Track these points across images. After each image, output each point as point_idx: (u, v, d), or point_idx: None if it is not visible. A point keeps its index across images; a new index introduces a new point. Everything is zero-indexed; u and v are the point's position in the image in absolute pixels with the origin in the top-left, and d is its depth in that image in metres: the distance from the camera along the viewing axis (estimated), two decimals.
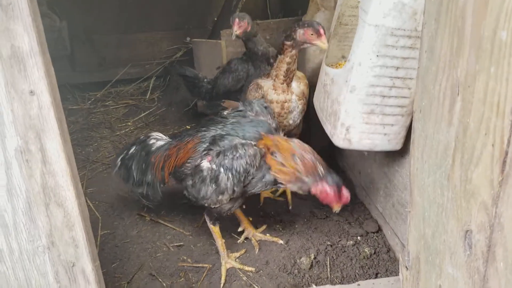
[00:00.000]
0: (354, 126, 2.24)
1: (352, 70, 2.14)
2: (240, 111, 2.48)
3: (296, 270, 2.50)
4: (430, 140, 1.42)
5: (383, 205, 2.73)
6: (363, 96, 2.16)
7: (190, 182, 2.36)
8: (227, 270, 2.50)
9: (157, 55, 5.24)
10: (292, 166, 2.18)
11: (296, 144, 2.23)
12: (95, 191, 3.33)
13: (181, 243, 2.76)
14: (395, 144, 2.31)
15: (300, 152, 2.17)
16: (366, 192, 3.02)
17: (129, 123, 4.41)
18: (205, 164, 2.27)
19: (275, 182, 2.29)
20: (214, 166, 2.24)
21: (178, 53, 5.18)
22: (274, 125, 2.39)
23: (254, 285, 2.41)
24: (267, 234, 2.76)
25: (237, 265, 2.52)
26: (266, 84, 2.76)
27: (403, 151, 2.37)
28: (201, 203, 2.39)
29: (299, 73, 2.84)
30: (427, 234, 1.48)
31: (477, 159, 1.11)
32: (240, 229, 2.79)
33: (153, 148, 2.59)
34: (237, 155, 2.20)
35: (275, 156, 2.22)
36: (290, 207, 2.96)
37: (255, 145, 2.25)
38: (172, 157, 2.44)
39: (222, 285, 2.42)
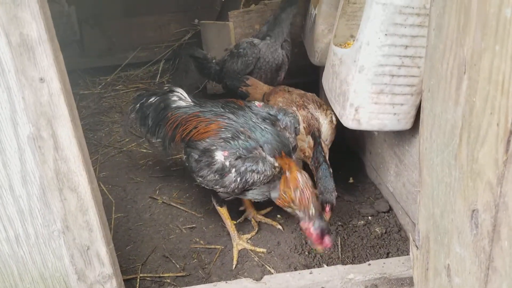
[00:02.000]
0: (363, 106, 2.23)
1: (360, 50, 2.12)
2: (272, 115, 2.42)
3: (307, 251, 2.52)
4: (438, 120, 1.42)
5: (394, 184, 2.73)
6: (372, 75, 2.15)
7: (196, 156, 2.36)
8: (239, 251, 2.53)
9: (166, 38, 5.24)
10: (291, 197, 2.23)
11: (303, 177, 2.25)
12: (108, 175, 3.38)
13: (193, 225, 2.80)
14: (405, 124, 2.30)
15: (302, 188, 2.22)
16: (377, 172, 3.02)
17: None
18: (220, 156, 2.25)
19: (274, 198, 2.34)
20: (227, 164, 2.23)
21: (187, 35, 5.18)
22: (293, 145, 2.37)
23: (266, 265, 2.44)
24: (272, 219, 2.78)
25: (248, 247, 2.55)
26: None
27: (413, 130, 2.36)
28: (193, 176, 2.42)
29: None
30: (436, 214, 1.48)
31: (482, 139, 1.11)
32: (241, 208, 2.83)
33: (173, 105, 2.63)
34: (255, 169, 2.18)
35: (283, 181, 2.27)
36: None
37: (275, 166, 2.23)
38: (190, 125, 2.45)
39: (234, 266, 2.45)
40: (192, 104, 2.62)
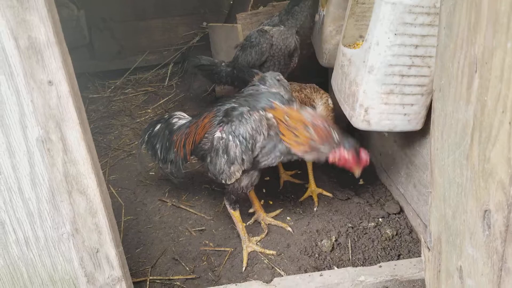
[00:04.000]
0: (373, 107, 2.22)
1: (369, 50, 2.11)
2: (254, 85, 2.47)
3: (317, 253, 2.50)
4: (449, 119, 1.40)
5: (405, 186, 2.70)
6: (381, 76, 2.13)
7: (208, 159, 2.40)
8: (249, 253, 2.52)
9: (174, 41, 5.26)
10: (306, 136, 2.12)
11: (307, 113, 2.17)
12: (118, 178, 3.39)
13: (203, 228, 2.80)
14: (415, 124, 2.28)
15: (312, 121, 2.12)
16: (387, 174, 2.99)
17: (149, 110, 4.45)
18: (217, 134, 2.31)
19: (289, 152, 2.25)
20: (224, 135, 2.27)
21: (195, 38, 5.19)
22: (286, 96, 2.33)
23: (275, 268, 2.43)
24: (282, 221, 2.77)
25: (258, 249, 2.54)
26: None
27: (424, 131, 2.33)
28: (219, 179, 2.41)
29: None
30: (448, 215, 1.46)
31: (494, 138, 1.09)
32: (250, 211, 2.82)
33: (175, 127, 2.69)
34: (243, 121, 2.21)
35: (288, 126, 2.17)
36: (315, 209, 2.88)
37: (268, 117, 2.22)
38: (191, 134, 2.50)
39: (244, 268, 2.44)
40: (191, 118, 2.69)
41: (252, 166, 2.34)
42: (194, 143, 2.47)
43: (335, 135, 2.10)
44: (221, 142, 2.29)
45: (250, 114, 2.22)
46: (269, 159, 2.33)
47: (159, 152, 2.72)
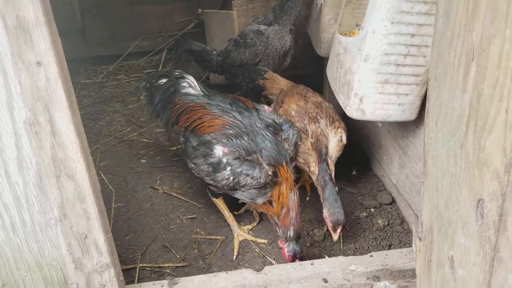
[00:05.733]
0: (368, 96, 2.19)
1: (365, 38, 2.08)
2: (277, 124, 2.40)
3: (309, 242, 2.50)
4: (444, 108, 1.38)
5: (397, 177, 2.69)
6: (377, 65, 2.11)
7: (194, 143, 2.37)
8: (240, 242, 2.51)
9: (169, 27, 5.19)
10: (277, 212, 2.25)
11: (293, 197, 2.25)
12: (109, 164, 3.35)
13: (194, 216, 2.78)
14: (409, 114, 2.26)
15: (290, 208, 2.23)
16: (380, 164, 2.98)
17: (142, 97, 4.40)
18: (219, 151, 2.24)
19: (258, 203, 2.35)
20: (224, 160, 2.22)
21: (190, 25, 5.13)
22: (290, 156, 2.36)
23: (267, 256, 2.42)
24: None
25: (249, 237, 2.53)
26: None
27: (417, 121, 2.32)
28: (187, 161, 2.44)
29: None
30: (440, 205, 1.45)
31: (490, 126, 1.08)
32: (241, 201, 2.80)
33: (182, 90, 2.64)
34: (251, 174, 2.19)
35: (276, 192, 2.27)
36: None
37: (273, 171, 2.23)
38: (194, 115, 2.45)
39: (235, 257, 2.43)
40: (201, 94, 2.61)
41: (227, 190, 2.39)
42: (193, 128, 2.42)
43: (290, 234, 2.22)
44: (216, 160, 2.24)
45: (261, 175, 2.19)
46: (241, 196, 2.37)
47: (155, 102, 2.73)
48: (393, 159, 2.74)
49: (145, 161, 3.39)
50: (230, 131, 2.29)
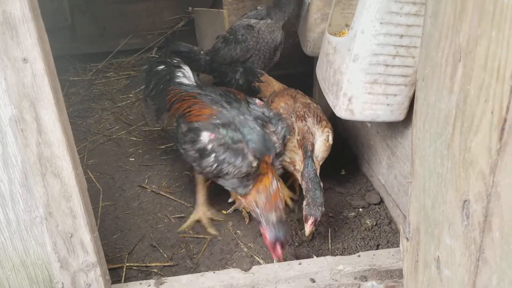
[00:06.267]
0: (357, 96, 2.20)
1: (355, 38, 2.08)
2: (266, 116, 2.39)
3: (297, 242, 2.50)
4: (432, 109, 1.39)
5: (386, 177, 2.71)
6: (366, 65, 2.11)
7: (184, 129, 2.41)
8: (194, 222, 2.61)
9: (159, 25, 5.16)
10: (256, 200, 2.24)
11: (274, 185, 2.24)
12: (96, 162, 3.33)
13: (182, 215, 2.77)
14: (398, 115, 2.27)
15: (270, 195, 2.22)
16: (369, 164, 2.99)
17: (131, 95, 4.37)
18: (205, 137, 2.25)
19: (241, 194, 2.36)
20: (209, 147, 2.24)
21: (180, 23, 5.11)
22: (278, 150, 2.34)
23: (255, 256, 2.41)
24: None
25: (205, 222, 2.61)
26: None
27: (406, 122, 2.33)
28: (178, 146, 2.50)
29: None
30: (427, 205, 1.46)
31: (476, 127, 1.08)
32: (230, 200, 2.81)
33: (176, 80, 2.75)
34: (233, 162, 2.20)
35: (258, 183, 2.26)
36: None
37: (258, 163, 2.23)
38: (185, 104, 2.51)
39: (180, 229, 2.57)
40: (194, 84, 2.70)
41: (211, 177, 2.43)
42: (183, 116, 2.47)
43: (272, 219, 2.20)
44: (202, 145, 2.27)
45: (243, 163, 2.19)
46: (225, 184, 2.39)
47: (151, 87, 2.83)
48: (381, 159, 2.75)
49: (133, 159, 3.37)
50: (217, 121, 2.30)
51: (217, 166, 2.23)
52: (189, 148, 2.34)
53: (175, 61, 2.88)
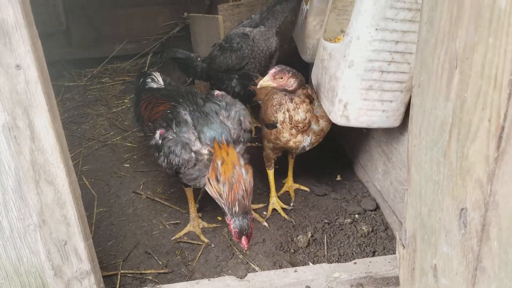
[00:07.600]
0: (352, 102, 2.20)
1: (350, 45, 2.08)
2: (219, 105, 2.42)
3: (293, 248, 2.48)
4: (428, 116, 1.38)
5: (381, 183, 2.70)
6: (361, 71, 2.11)
7: (151, 134, 2.56)
8: (189, 233, 2.63)
9: (154, 30, 5.17)
10: (218, 190, 2.18)
11: (238, 172, 2.18)
12: (91, 168, 3.31)
13: (177, 221, 2.75)
14: (393, 121, 2.27)
15: (233, 183, 2.16)
16: (365, 170, 2.99)
17: (126, 100, 4.36)
18: (157, 134, 2.40)
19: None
20: (159, 142, 2.37)
21: (175, 28, 5.11)
22: (235, 136, 2.33)
23: (250, 263, 2.40)
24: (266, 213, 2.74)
25: (198, 232, 2.62)
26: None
27: (402, 128, 2.33)
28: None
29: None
30: (424, 212, 1.45)
31: (473, 135, 1.07)
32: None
33: (146, 86, 2.90)
34: (173, 150, 2.27)
35: (216, 170, 2.21)
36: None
37: (209, 150, 2.24)
38: (150, 106, 2.69)
39: (174, 239, 2.59)
40: (162, 87, 2.84)
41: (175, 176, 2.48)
42: (150, 116, 2.65)
43: (236, 209, 2.15)
44: (156, 143, 2.40)
45: (182, 151, 2.25)
46: (185, 180, 2.41)
47: (135, 99, 3.03)
48: (377, 165, 2.74)
49: (128, 165, 3.35)
50: (169, 115, 2.42)
51: (166, 159, 2.30)
52: (154, 151, 2.44)
53: (148, 71, 3.05)
